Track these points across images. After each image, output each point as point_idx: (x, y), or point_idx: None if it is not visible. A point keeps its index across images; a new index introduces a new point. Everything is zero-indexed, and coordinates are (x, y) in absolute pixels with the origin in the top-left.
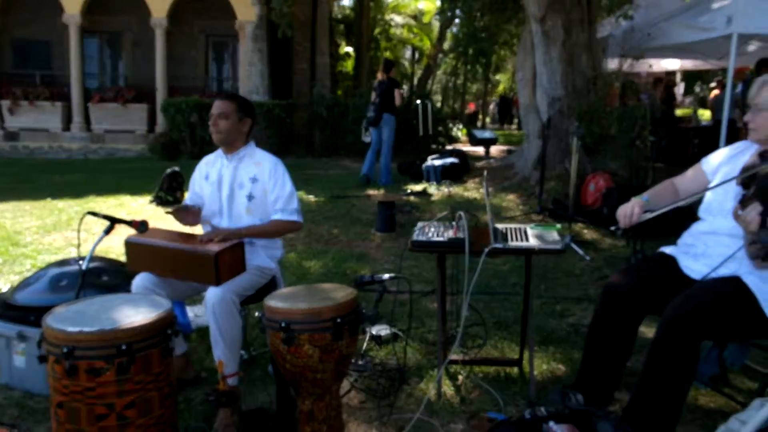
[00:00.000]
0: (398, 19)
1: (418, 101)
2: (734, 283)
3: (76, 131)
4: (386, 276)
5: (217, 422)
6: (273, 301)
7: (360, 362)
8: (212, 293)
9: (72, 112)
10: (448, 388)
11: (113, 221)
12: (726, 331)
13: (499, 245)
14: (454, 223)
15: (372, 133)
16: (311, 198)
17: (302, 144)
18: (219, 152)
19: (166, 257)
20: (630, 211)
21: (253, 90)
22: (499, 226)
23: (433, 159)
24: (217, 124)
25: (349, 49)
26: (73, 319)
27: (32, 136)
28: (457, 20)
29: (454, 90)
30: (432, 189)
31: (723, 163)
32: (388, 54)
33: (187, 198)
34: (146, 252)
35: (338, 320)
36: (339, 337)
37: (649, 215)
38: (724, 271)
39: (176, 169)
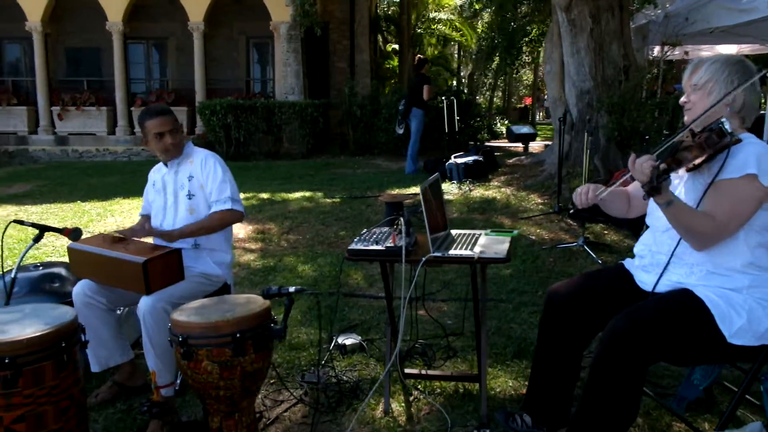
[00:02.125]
0: (441, 14)
1: (443, 98)
2: (686, 296)
3: (120, 135)
4: (292, 288)
5: None
6: (176, 314)
7: (313, 373)
8: (143, 302)
9: (117, 116)
10: (398, 405)
11: (42, 229)
12: (677, 353)
13: (437, 254)
14: (394, 229)
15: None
16: (326, 200)
17: (337, 143)
18: None
19: (101, 264)
20: (586, 189)
21: (289, 90)
22: (454, 231)
23: (456, 157)
24: (173, 140)
25: (397, 47)
26: None
27: (80, 140)
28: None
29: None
30: (452, 188)
31: None
32: (431, 51)
33: (142, 208)
34: (85, 259)
35: (237, 335)
36: (241, 352)
37: (603, 193)
38: (674, 277)
39: None
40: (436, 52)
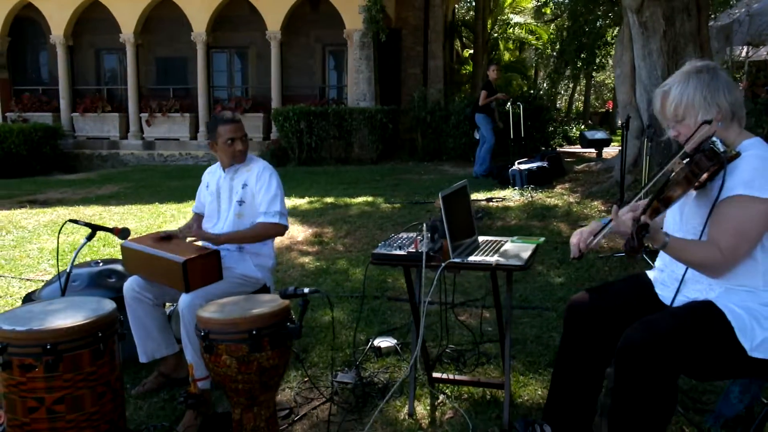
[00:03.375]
0: (517, 18)
1: (509, 104)
2: (706, 308)
3: (201, 140)
4: (307, 290)
5: (182, 423)
6: (202, 310)
7: (347, 374)
8: (182, 299)
9: (199, 122)
10: (424, 408)
11: (94, 228)
12: (696, 365)
13: (457, 260)
14: (419, 235)
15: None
16: (386, 205)
17: (406, 149)
18: (218, 164)
19: (148, 262)
20: (576, 240)
21: (360, 96)
22: (482, 238)
23: (520, 163)
24: (242, 146)
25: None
26: (14, 318)
27: (165, 144)
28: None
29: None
30: (514, 194)
31: None
32: (507, 56)
33: (194, 207)
34: (135, 256)
35: (254, 332)
36: (257, 349)
37: (598, 238)
38: (692, 295)
39: None
40: (511, 58)
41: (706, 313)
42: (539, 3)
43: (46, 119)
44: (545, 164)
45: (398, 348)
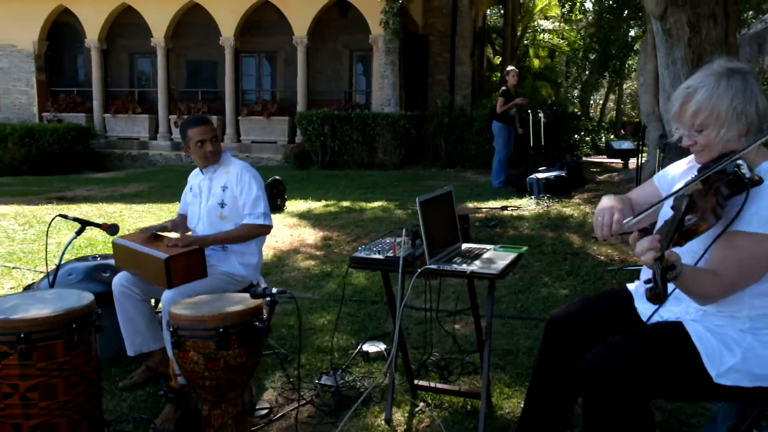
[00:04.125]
0: (546, 24)
1: (529, 111)
2: (674, 329)
3: (227, 142)
4: (275, 290)
5: (160, 416)
6: (174, 306)
7: (331, 377)
8: (165, 295)
9: (226, 124)
10: (402, 415)
11: (83, 224)
12: (663, 388)
13: (433, 266)
14: (397, 240)
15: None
16: (400, 211)
17: (430, 155)
18: None
19: (135, 258)
20: (609, 219)
21: (385, 102)
22: (465, 245)
23: (538, 171)
24: (213, 148)
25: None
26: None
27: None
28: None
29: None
30: (530, 203)
31: (677, 179)
32: (537, 63)
33: (179, 208)
34: (124, 252)
35: (221, 330)
36: (224, 346)
37: (632, 220)
38: (668, 315)
39: (277, 177)
40: (541, 65)
41: (673, 336)
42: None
43: (79, 119)
44: (563, 173)
45: (385, 353)
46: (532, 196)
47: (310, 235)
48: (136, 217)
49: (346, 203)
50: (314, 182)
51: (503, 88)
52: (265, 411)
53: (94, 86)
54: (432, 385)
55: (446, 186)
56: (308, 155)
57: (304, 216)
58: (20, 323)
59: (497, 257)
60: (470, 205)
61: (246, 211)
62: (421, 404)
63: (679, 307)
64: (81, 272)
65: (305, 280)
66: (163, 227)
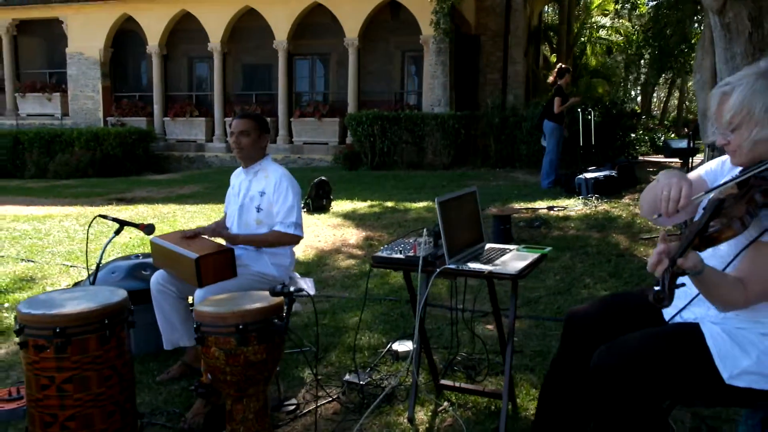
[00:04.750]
0: (604, 20)
1: (579, 110)
2: (687, 329)
3: (280, 143)
4: (293, 288)
5: (191, 410)
6: (200, 304)
7: (358, 375)
8: (196, 294)
9: (278, 126)
10: (425, 414)
11: (122, 224)
12: (673, 390)
13: (452, 266)
14: (418, 239)
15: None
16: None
17: (480, 155)
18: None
19: (170, 257)
20: (677, 193)
21: (435, 102)
22: (489, 245)
23: (587, 171)
24: (239, 142)
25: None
26: (35, 302)
27: None
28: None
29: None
30: (577, 203)
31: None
32: (594, 61)
33: (225, 207)
34: (161, 252)
35: (240, 327)
36: (244, 343)
37: (705, 195)
38: (689, 315)
39: (323, 178)
40: (598, 62)
41: (686, 336)
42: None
43: (140, 123)
44: (614, 173)
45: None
46: (581, 197)
47: (353, 235)
48: (188, 217)
49: (390, 203)
50: (362, 183)
51: (557, 86)
52: (292, 407)
53: (154, 91)
54: (456, 384)
55: (495, 184)
56: (358, 156)
57: (349, 216)
58: (56, 318)
59: (519, 257)
60: (516, 205)
61: (278, 219)
62: (445, 404)
63: (701, 308)
64: (123, 270)
65: (344, 280)
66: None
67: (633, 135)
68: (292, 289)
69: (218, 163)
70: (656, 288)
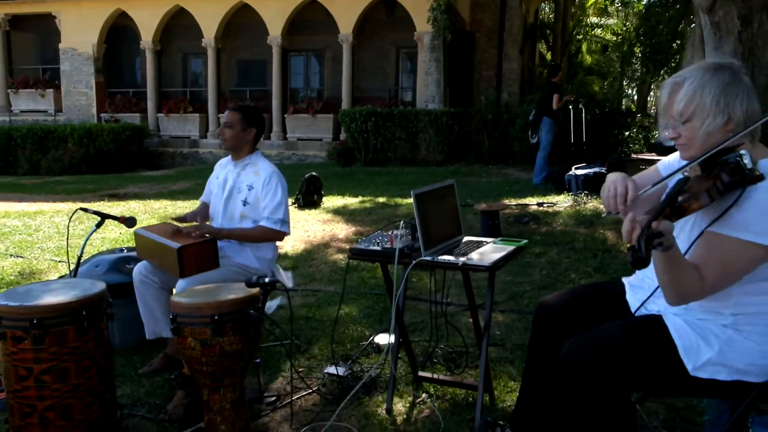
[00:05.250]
0: (598, 19)
1: (570, 107)
2: (652, 322)
3: (274, 139)
4: (267, 279)
5: (172, 401)
6: (176, 294)
7: (339, 367)
8: (178, 284)
9: (272, 122)
10: (404, 405)
11: (103, 217)
12: (641, 382)
13: (427, 258)
14: (395, 232)
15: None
16: None
17: (474, 151)
18: (230, 157)
19: (153, 249)
20: (623, 188)
21: (429, 98)
22: (466, 238)
23: (576, 168)
24: (223, 133)
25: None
26: (13, 294)
27: None
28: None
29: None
30: (567, 200)
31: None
32: (589, 59)
33: (203, 195)
34: (144, 243)
35: (216, 317)
36: (219, 333)
37: (649, 190)
38: (653, 307)
39: (314, 174)
40: (593, 60)
41: (650, 328)
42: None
43: (134, 119)
44: (603, 170)
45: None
46: (570, 193)
47: (342, 230)
48: (179, 212)
49: (382, 199)
50: (355, 179)
51: (552, 82)
52: (272, 399)
53: (148, 87)
54: (435, 376)
55: (487, 180)
56: (351, 152)
57: (339, 211)
58: (33, 310)
59: (495, 250)
60: (506, 201)
61: (265, 214)
62: (423, 395)
63: (664, 300)
64: (107, 263)
65: (331, 274)
66: (183, 218)
67: (627, 133)
68: (266, 280)
69: (212, 159)
70: (633, 251)
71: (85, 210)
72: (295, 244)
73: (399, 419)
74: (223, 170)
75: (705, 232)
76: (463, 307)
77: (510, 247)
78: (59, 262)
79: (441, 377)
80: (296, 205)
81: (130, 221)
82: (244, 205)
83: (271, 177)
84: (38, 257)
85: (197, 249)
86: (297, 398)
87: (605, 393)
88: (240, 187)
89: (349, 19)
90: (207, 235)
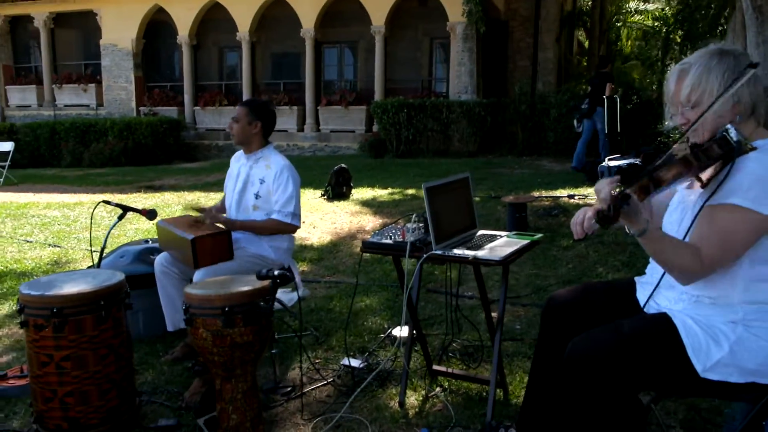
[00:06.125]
0: (637, 4)
1: (604, 97)
2: (658, 321)
3: (308, 131)
4: (277, 272)
5: (189, 389)
6: (190, 286)
7: (354, 359)
8: (195, 275)
9: (306, 114)
10: (417, 398)
11: (125, 209)
12: (647, 382)
13: (438, 252)
14: (407, 225)
15: (585, 126)
16: None
17: (507, 142)
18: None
19: (173, 240)
20: (581, 218)
21: (462, 89)
22: (481, 232)
23: (610, 159)
24: (231, 128)
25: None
26: (36, 284)
27: (274, 136)
28: None
29: None
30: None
31: None
32: (629, 46)
33: (224, 188)
34: (165, 234)
35: (226, 309)
36: (230, 325)
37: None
38: (663, 302)
39: (343, 166)
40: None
41: (659, 328)
42: None
43: (172, 113)
44: (638, 161)
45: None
46: None
47: (370, 222)
48: (211, 204)
49: (411, 191)
50: (386, 171)
51: (605, 72)
52: (287, 389)
53: (185, 80)
54: (449, 370)
55: (519, 172)
56: (383, 144)
57: (368, 203)
58: (54, 299)
59: (508, 244)
60: (536, 193)
61: (277, 207)
62: (437, 389)
63: (673, 293)
64: (131, 254)
65: (355, 266)
66: (201, 208)
67: (666, 122)
68: (276, 272)
69: None
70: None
71: (107, 203)
72: (322, 236)
73: (411, 412)
74: (237, 163)
75: (702, 209)
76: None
77: (524, 241)
78: (94, 251)
79: (455, 371)
80: (325, 197)
81: (151, 214)
82: (257, 198)
83: (282, 171)
84: (74, 247)
85: (212, 240)
86: (311, 389)
87: (609, 392)
88: (252, 180)
89: (381, 10)
90: (221, 226)
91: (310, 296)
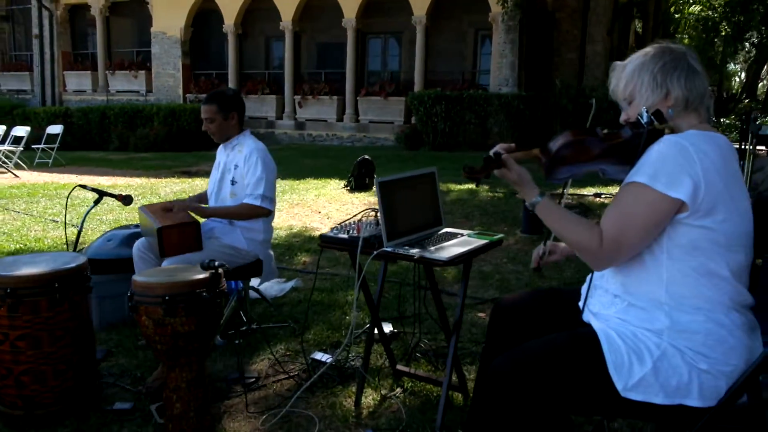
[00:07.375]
0: None
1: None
2: (583, 335)
3: (347, 122)
4: (216, 263)
5: (153, 374)
6: (140, 274)
7: (325, 354)
8: (164, 264)
9: (345, 104)
10: (374, 399)
11: (101, 194)
12: (570, 401)
13: (388, 249)
14: (363, 221)
15: None
16: (487, 193)
17: (545, 137)
18: None
19: (149, 226)
20: (541, 250)
21: (503, 81)
22: (445, 229)
23: None
24: (207, 128)
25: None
26: (1, 264)
27: (314, 125)
28: None
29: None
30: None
31: None
32: (686, 40)
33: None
34: (143, 221)
35: (167, 297)
36: (171, 314)
37: (545, 255)
38: (595, 307)
39: (366, 157)
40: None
41: (583, 345)
42: None
43: None
44: None
45: (396, 333)
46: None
47: None
48: None
49: None
50: (417, 163)
51: None
52: (250, 381)
53: (229, 69)
54: (412, 371)
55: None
56: (419, 136)
57: None
58: (8, 280)
59: (463, 243)
60: (560, 190)
61: (247, 191)
62: (398, 390)
63: (606, 297)
64: (119, 238)
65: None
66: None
67: (724, 120)
68: (216, 263)
69: (287, 140)
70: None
71: (83, 187)
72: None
73: (365, 412)
74: (220, 154)
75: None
76: (472, 301)
77: (481, 242)
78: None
79: (418, 373)
80: (347, 188)
81: (126, 199)
82: (233, 184)
83: (251, 153)
84: (94, 229)
85: (178, 230)
86: (273, 382)
87: (528, 409)
88: (229, 167)
89: (423, 0)
90: (190, 212)
91: (302, 287)
